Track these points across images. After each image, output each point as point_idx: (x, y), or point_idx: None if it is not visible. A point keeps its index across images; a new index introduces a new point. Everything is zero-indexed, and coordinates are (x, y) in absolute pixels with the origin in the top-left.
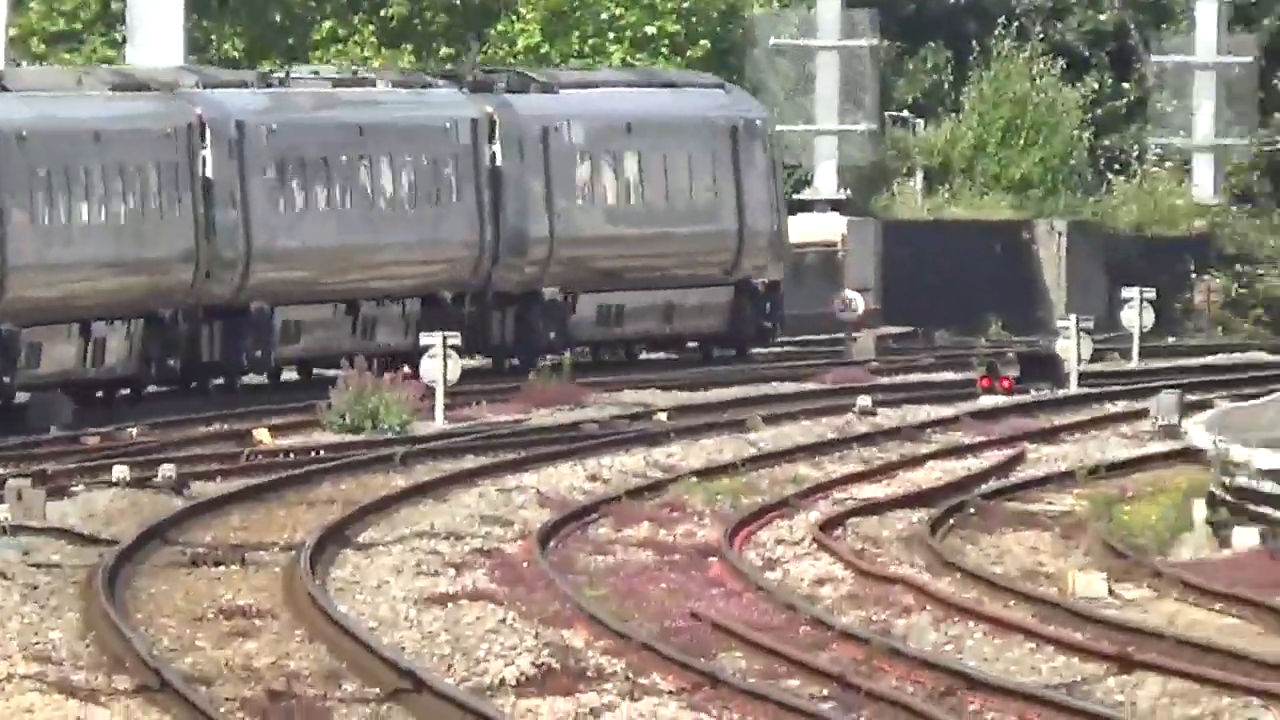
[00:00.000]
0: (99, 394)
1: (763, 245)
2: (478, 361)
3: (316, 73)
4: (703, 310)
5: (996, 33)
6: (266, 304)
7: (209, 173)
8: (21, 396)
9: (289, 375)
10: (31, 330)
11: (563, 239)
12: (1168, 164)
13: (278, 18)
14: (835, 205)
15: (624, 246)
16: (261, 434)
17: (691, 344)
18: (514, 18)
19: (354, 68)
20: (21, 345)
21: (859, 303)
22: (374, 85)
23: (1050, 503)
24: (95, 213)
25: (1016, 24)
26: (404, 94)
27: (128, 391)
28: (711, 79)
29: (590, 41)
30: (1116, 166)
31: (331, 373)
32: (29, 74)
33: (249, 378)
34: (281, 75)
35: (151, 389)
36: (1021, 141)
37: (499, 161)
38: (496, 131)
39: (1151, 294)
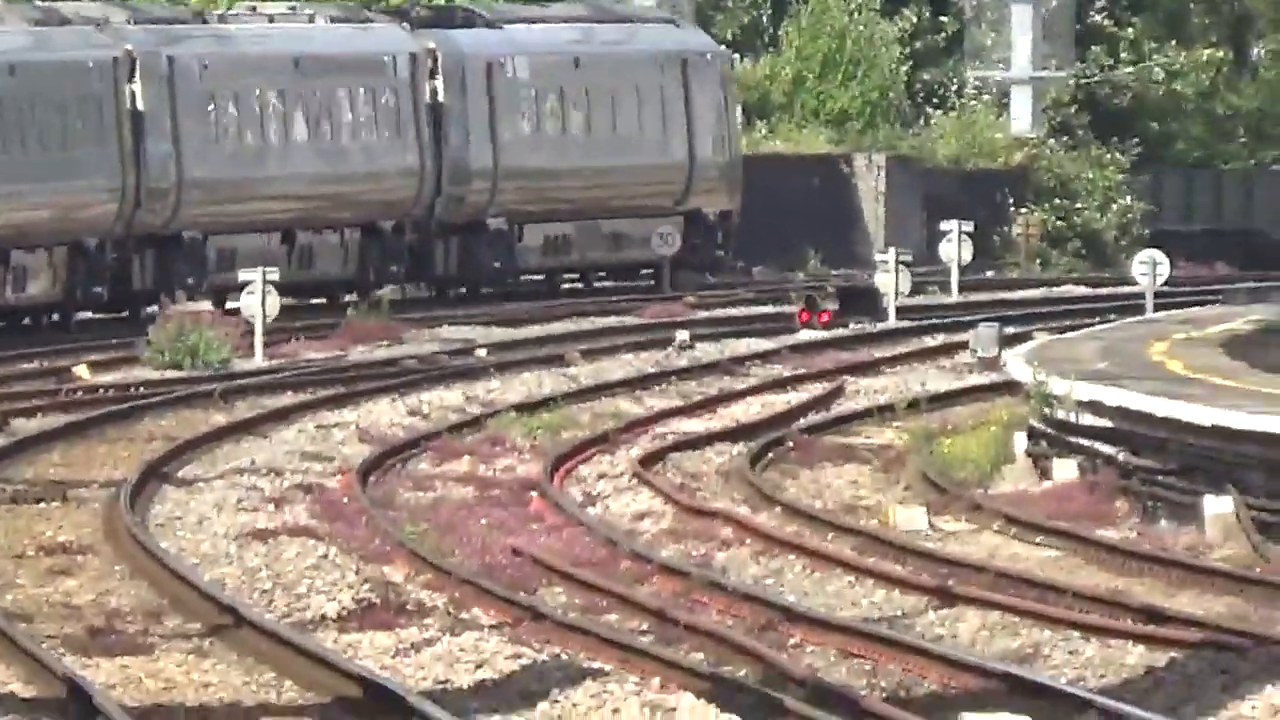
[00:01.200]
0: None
1: (714, 176)
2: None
3: (254, 9)
4: (652, 240)
5: None
6: (199, 233)
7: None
8: None
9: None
10: None
11: (507, 170)
12: (986, 98)
13: None
14: None
15: (570, 178)
16: (81, 370)
17: (646, 271)
18: None
19: (292, 4)
20: None
21: (675, 237)
22: (311, 20)
23: (870, 436)
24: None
25: None
26: (341, 29)
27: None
28: (663, 15)
29: None
30: (935, 100)
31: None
32: None
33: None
34: (220, 12)
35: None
36: (840, 76)
37: (440, 95)
38: (439, 65)
39: (970, 227)
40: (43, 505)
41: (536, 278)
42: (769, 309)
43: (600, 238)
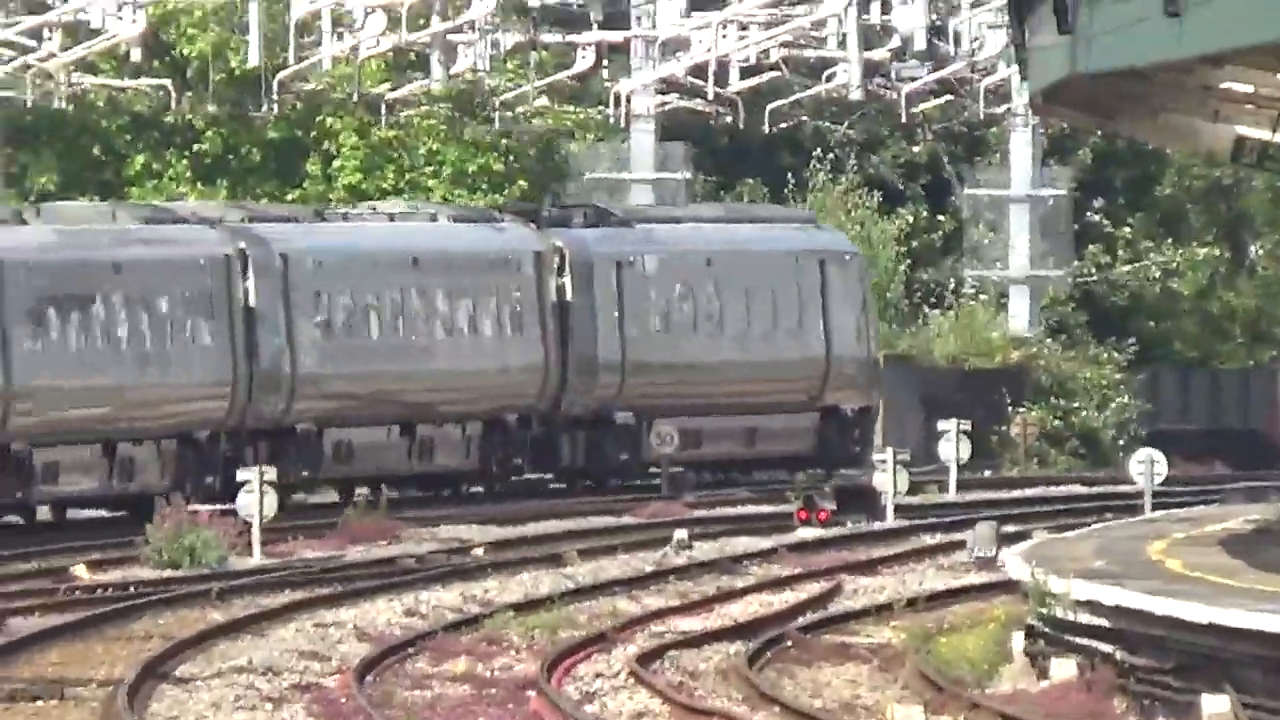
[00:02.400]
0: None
1: (851, 373)
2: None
3: (374, 209)
4: (788, 434)
5: (812, 166)
6: (313, 425)
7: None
8: None
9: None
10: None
11: (635, 365)
12: (983, 296)
13: (94, 152)
14: None
15: (701, 373)
16: (79, 569)
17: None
18: (327, 156)
19: (414, 204)
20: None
21: (675, 436)
22: (433, 220)
23: (868, 635)
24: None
25: (831, 156)
26: (464, 227)
27: None
28: (803, 214)
29: (408, 177)
30: (933, 299)
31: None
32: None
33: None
34: (343, 210)
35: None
36: None
37: (567, 292)
38: (566, 263)
39: (968, 426)
40: (40, 704)
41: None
42: (767, 508)
43: (735, 433)
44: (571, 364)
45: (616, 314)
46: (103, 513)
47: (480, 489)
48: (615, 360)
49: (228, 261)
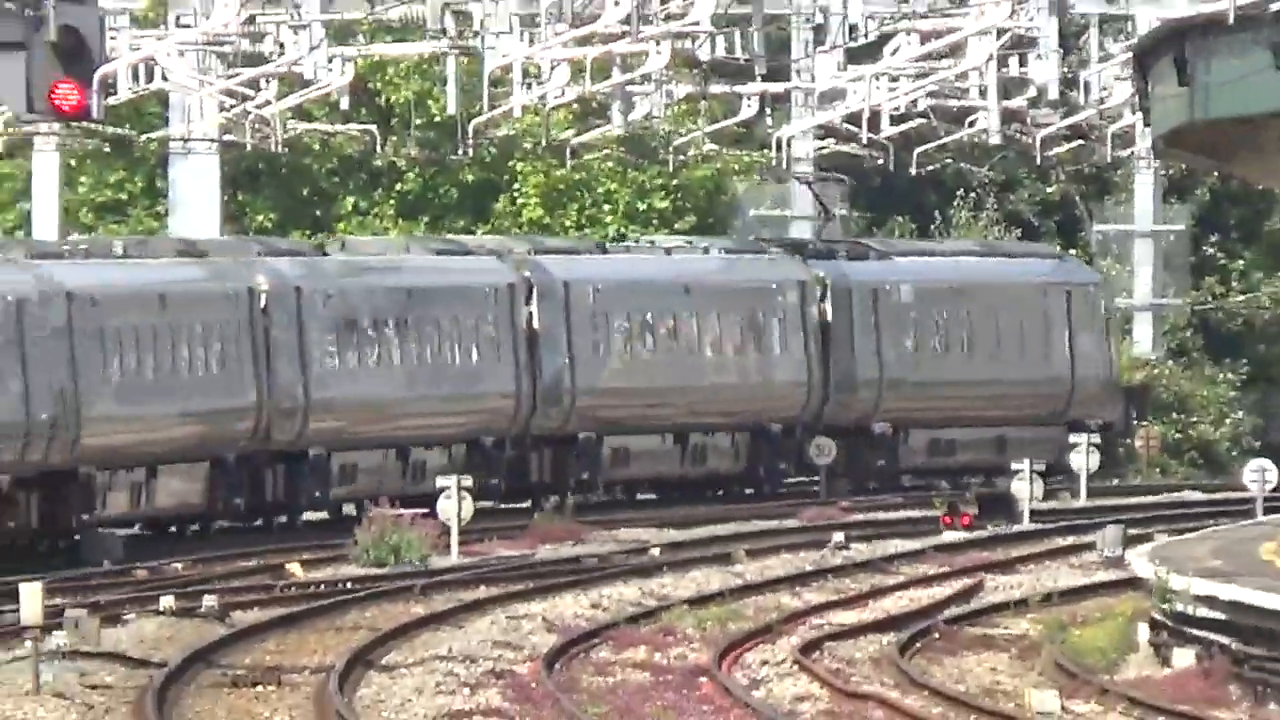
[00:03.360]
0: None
1: (1094, 392)
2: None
3: (653, 242)
4: (1036, 444)
5: (955, 204)
6: (594, 434)
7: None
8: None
9: (310, 516)
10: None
11: (891, 381)
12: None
13: (305, 192)
14: None
15: (951, 390)
16: (294, 567)
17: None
18: (515, 194)
19: (689, 239)
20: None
21: (832, 449)
22: (705, 253)
23: (1007, 627)
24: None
25: (973, 195)
26: (734, 259)
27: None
28: (1049, 250)
29: (587, 213)
30: None
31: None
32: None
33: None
34: (627, 244)
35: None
36: None
37: (829, 317)
38: (828, 291)
39: (1097, 439)
40: (259, 689)
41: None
42: (915, 513)
43: (984, 443)
44: (833, 381)
45: (874, 336)
46: (324, 515)
47: (750, 490)
48: (873, 377)
49: (512, 289)
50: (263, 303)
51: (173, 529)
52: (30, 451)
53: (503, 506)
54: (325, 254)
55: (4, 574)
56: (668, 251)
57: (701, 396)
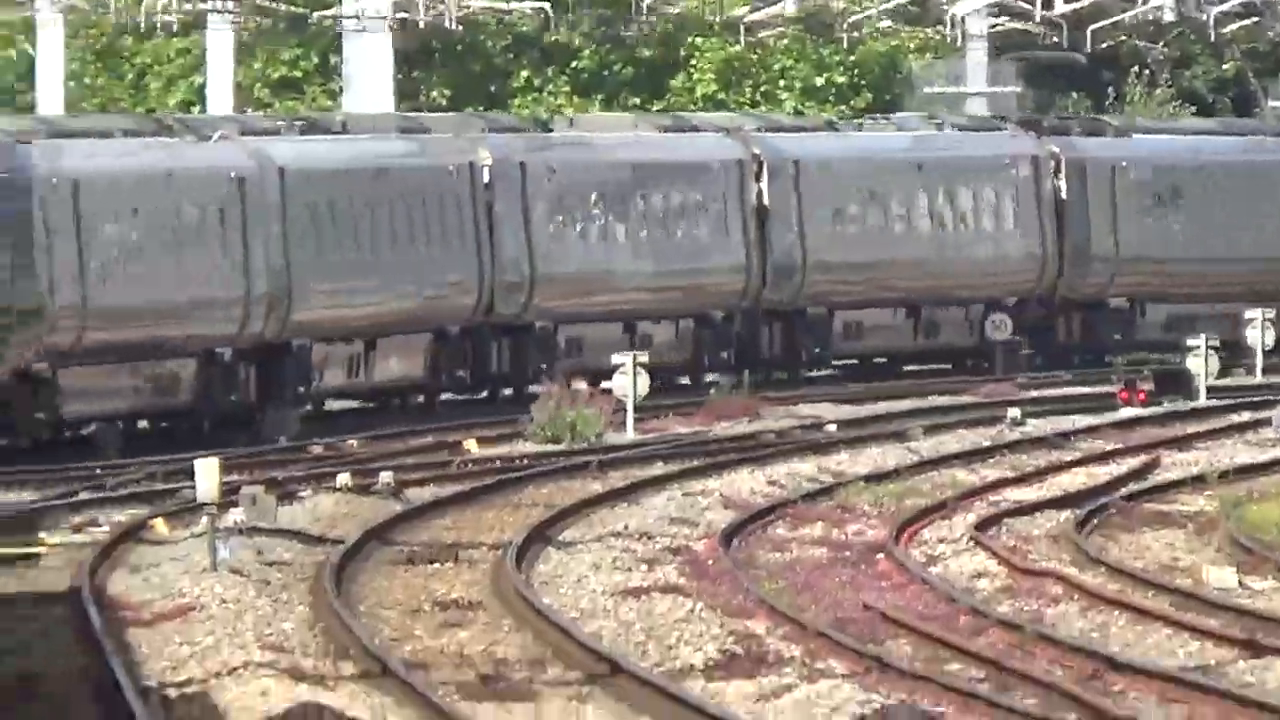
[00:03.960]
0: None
1: None
2: None
3: (888, 118)
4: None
5: (1129, 81)
6: (824, 308)
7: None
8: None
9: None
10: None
11: (1125, 257)
12: None
13: (478, 69)
14: None
15: (1181, 266)
16: (470, 444)
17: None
18: (690, 71)
19: (927, 114)
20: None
21: (1007, 323)
22: (940, 129)
23: (1184, 504)
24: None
25: (1147, 72)
26: (968, 135)
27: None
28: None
29: (763, 90)
30: None
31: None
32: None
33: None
34: (859, 121)
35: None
36: None
37: (1063, 193)
38: (1061, 167)
39: (1273, 314)
40: (437, 566)
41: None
42: (1091, 389)
43: (1222, 319)
44: (1067, 256)
45: (1109, 213)
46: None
47: (985, 363)
48: (1109, 253)
49: (741, 165)
50: (486, 178)
51: (396, 401)
52: (249, 325)
53: (682, 383)
54: (550, 130)
55: (184, 450)
56: (898, 128)
57: (933, 271)
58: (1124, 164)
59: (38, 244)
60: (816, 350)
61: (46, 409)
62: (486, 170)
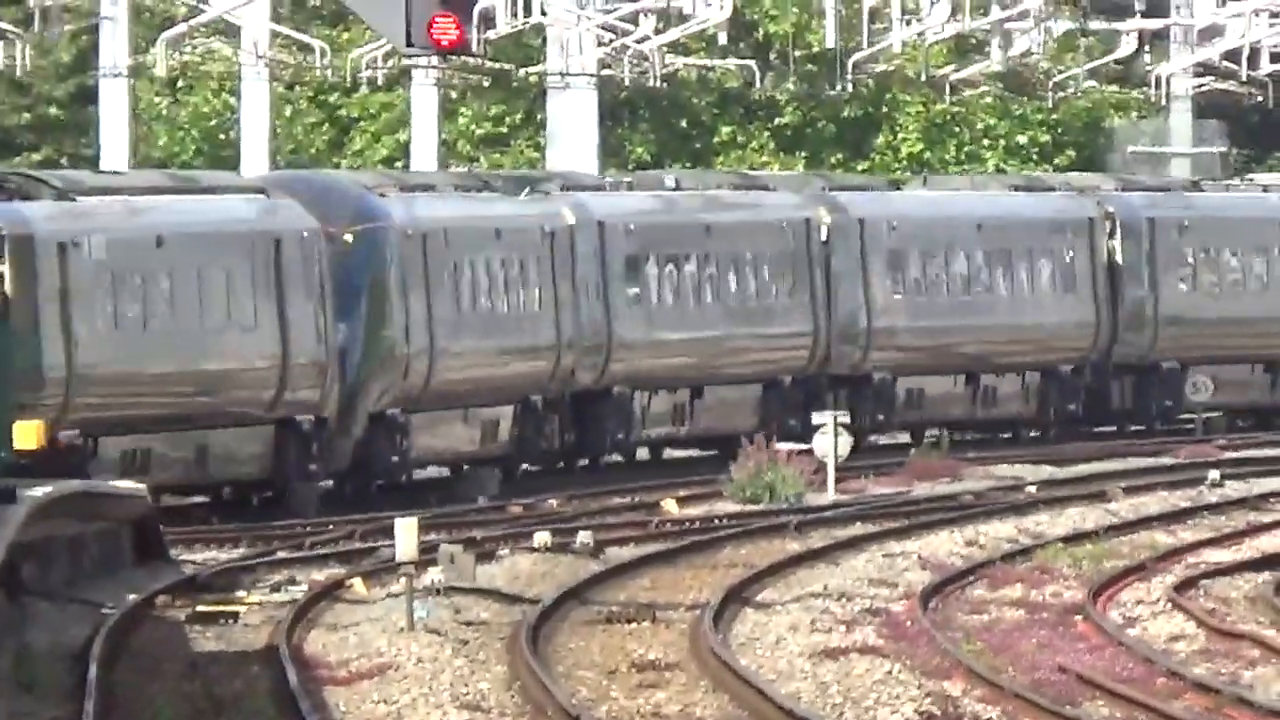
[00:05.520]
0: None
1: None
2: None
3: (1251, 180)
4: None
5: None
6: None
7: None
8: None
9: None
10: None
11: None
12: None
13: (683, 123)
14: None
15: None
16: (669, 504)
17: None
18: (894, 129)
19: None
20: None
21: (1209, 385)
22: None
23: None
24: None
25: None
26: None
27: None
28: None
29: (966, 149)
30: None
31: None
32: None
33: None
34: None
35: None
36: None
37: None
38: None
39: None
40: (634, 625)
41: None
42: None
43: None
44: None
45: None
46: (692, 452)
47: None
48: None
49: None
50: (824, 235)
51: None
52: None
53: (880, 443)
54: (898, 189)
55: (384, 510)
56: (1264, 189)
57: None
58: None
59: (393, 292)
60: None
61: (398, 452)
62: (824, 229)
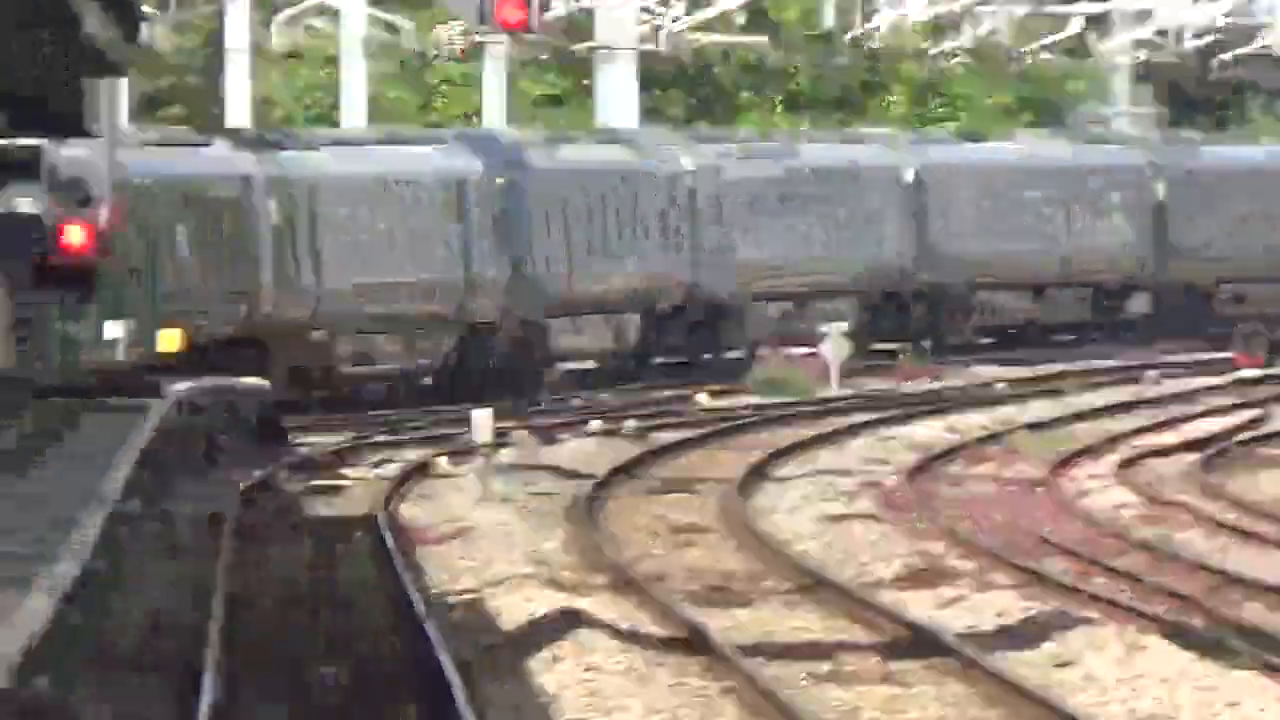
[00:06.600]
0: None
1: None
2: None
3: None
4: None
5: (1250, 107)
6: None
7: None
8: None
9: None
10: None
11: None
12: None
13: (709, 91)
14: None
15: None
16: (702, 397)
17: None
18: (886, 94)
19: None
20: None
21: (1146, 300)
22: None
23: None
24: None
25: (1261, 99)
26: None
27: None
28: None
29: (943, 110)
30: None
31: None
32: None
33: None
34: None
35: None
36: None
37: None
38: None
39: None
40: (673, 495)
41: None
42: (1216, 355)
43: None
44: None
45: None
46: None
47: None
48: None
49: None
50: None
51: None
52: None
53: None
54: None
55: (467, 404)
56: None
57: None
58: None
59: (536, 224)
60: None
61: (542, 349)
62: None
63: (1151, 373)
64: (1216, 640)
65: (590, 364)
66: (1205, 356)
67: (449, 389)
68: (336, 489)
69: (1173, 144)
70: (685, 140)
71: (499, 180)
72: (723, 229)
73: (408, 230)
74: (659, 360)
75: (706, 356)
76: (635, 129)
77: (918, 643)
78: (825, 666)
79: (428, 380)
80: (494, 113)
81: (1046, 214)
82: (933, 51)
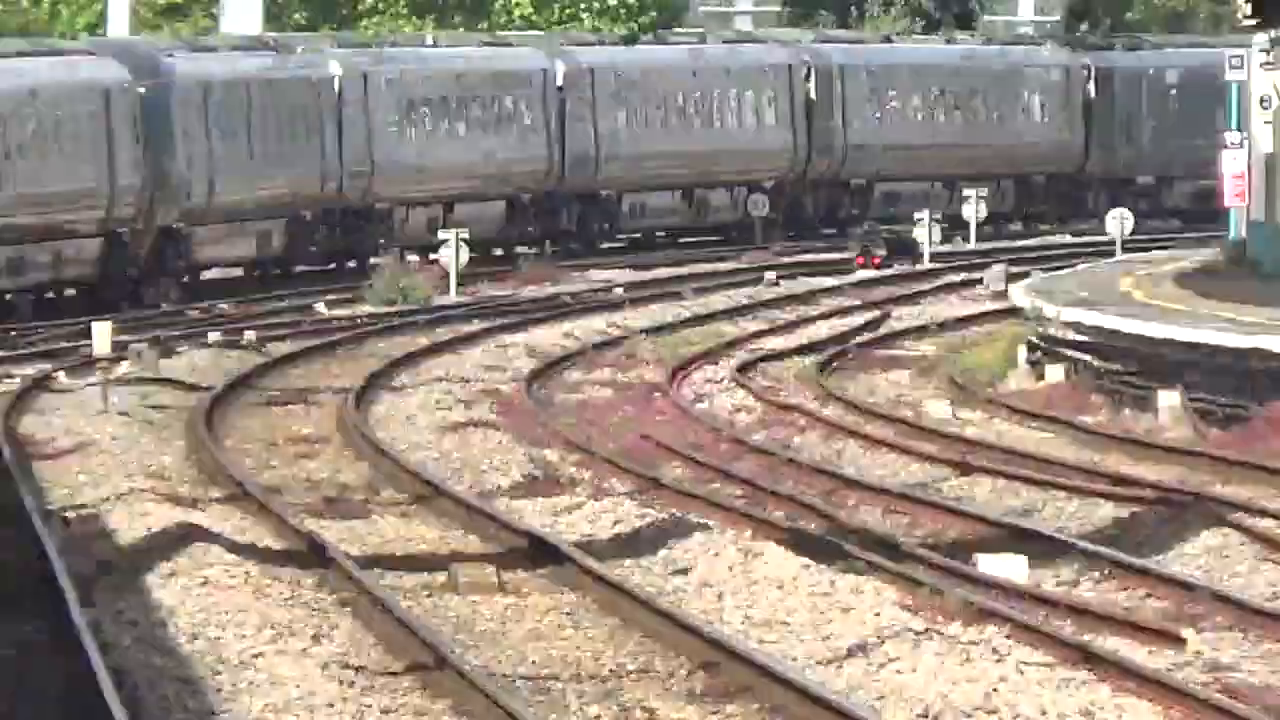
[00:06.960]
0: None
1: None
2: None
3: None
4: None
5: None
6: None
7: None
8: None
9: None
10: None
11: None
12: None
13: None
14: None
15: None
16: (320, 306)
17: None
18: None
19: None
20: None
21: (765, 202)
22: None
23: (909, 349)
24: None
25: None
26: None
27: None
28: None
29: (567, 11)
30: None
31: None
32: None
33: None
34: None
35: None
36: None
37: (1092, 96)
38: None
39: (984, 192)
40: (291, 406)
41: None
42: (835, 255)
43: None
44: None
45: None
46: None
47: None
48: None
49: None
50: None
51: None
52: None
53: (494, 254)
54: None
55: (78, 316)
56: (947, 42)
57: (971, 152)
58: (1152, 72)
59: (179, 134)
60: (854, 213)
61: (184, 257)
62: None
63: (770, 275)
64: (831, 545)
65: (236, 271)
66: (823, 258)
67: (92, 300)
68: None
69: (830, 42)
70: (333, 45)
71: (140, 89)
72: (369, 134)
73: (56, 141)
74: (301, 268)
75: (351, 264)
76: (281, 35)
77: (535, 552)
78: (442, 577)
79: (72, 291)
80: (119, 20)
81: (696, 114)
82: None
